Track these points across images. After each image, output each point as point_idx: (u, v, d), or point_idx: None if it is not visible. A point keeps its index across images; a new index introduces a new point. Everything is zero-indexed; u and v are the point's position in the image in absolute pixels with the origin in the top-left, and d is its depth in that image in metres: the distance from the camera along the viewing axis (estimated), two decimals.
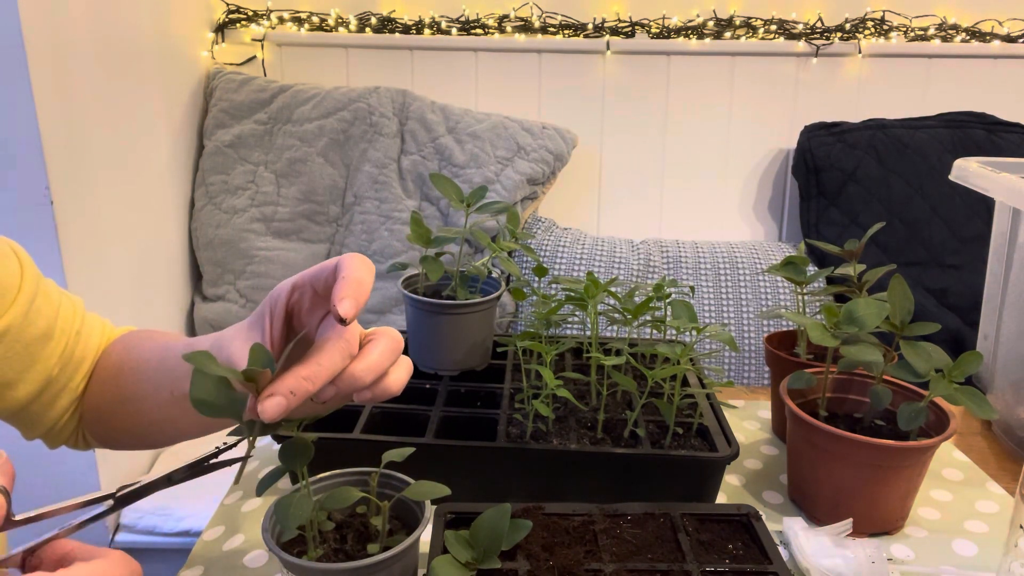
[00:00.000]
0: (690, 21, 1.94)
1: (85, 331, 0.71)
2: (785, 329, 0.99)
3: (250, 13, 1.94)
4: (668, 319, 0.84)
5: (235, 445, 0.55)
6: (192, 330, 1.78)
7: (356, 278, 0.49)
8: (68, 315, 0.69)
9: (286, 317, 0.53)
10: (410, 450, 0.60)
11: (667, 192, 2.06)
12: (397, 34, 1.94)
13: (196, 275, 1.83)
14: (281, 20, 1.94)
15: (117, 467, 1.44)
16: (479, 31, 1.94)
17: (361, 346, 0.51)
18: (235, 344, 0.52)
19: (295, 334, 0.54)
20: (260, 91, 1.85)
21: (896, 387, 0.79)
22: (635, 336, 0.96)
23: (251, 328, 0.53)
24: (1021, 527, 0.61)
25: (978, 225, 1.83)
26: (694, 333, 0.78)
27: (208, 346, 0.55)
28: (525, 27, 1.94)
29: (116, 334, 0.75)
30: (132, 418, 0.69)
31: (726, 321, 1.73)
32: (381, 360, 0.50)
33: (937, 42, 1.95)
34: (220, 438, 0.59)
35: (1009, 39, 1.96)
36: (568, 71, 1.97)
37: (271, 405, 0.45)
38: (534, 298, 0.86)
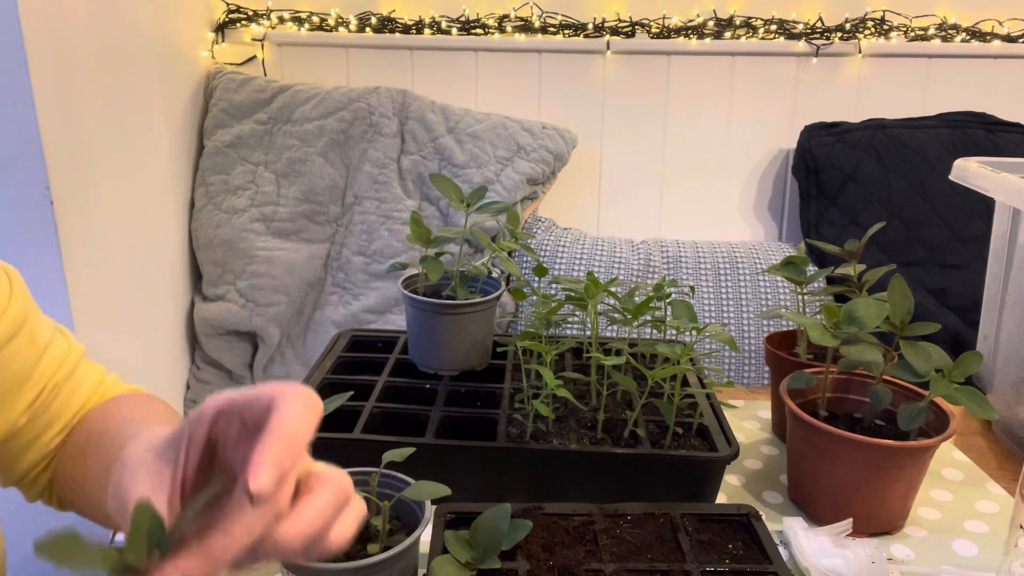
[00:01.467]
0: (690, 21, 1.94)
1: (70, 385, 0.63)
2: (785, 329, 0.99)
3: (250, 13, 1.94)
4: (668, 319, 0.84)
5: None
6: (192, 330, 1.78)
7: (287, 434, 0.38)
8: (51, 364, 0.61)
9: (208, 446, 0.42)
10: (410, 450, 0.60)
11: (667, 192, 2.06)
12: (397, 34, 1.94)
13: (196, 275, 1.83)
14: (281, 20, 1.94)
15: None
16: (479, 31, 1.94)
17: (297, 488, 0.41)
18: (138, 486, 0.40)
19: (221, 467, 0.43)
20: (260, 91, 1.85)
21: (896, 387, 0.79)
22: (635, 336, 0.96)
23: (161, 459, 0.41)
24: (1021, 527, 0.61)
25: (978, 225, 1.83)
26: (694, 333, 0.78)
27: (117, 463, 0.44)
28: (525, 27, 1.94)
29: (112, 393, 0.66)
30: (97, 496, 0.59)
31: (726, 321, 1.73)
32: (317, 519, 0.40)
33: (937, 42, 1.95)
34: None
35: (1009, 39, 1.96)
36: (568, 71, 1.97)
37: (264, 479, 0.36)
38: (534, 298, 0.86)
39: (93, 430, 0.62)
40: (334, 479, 0.42)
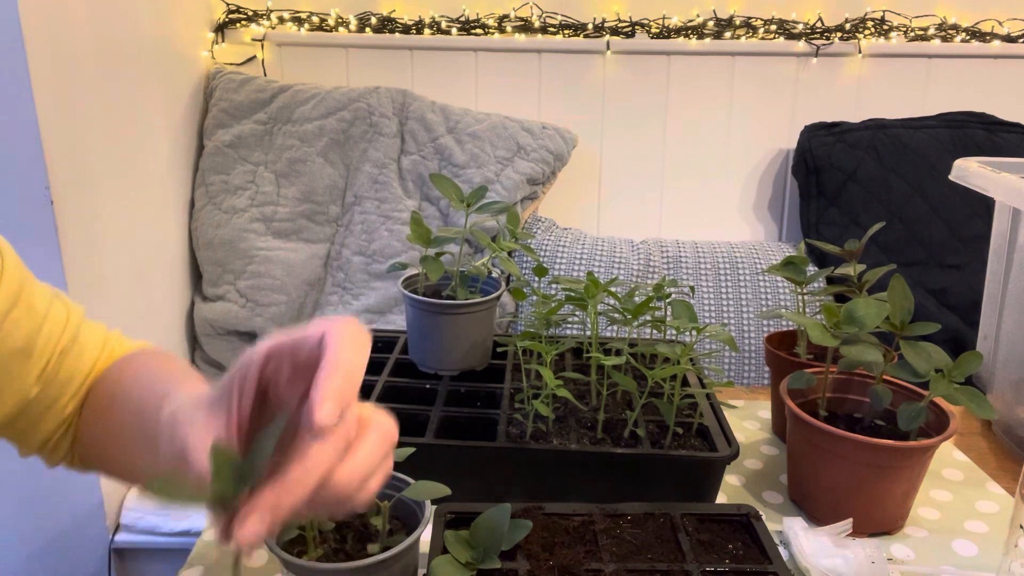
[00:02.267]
0: (690, 21, 1.94)
1: (76, 349, 0.63)
2: (785, 329, 0.99)
3: (250, 13, 1.94)
4: (668, 319, 0.84)
5: None
6: (192, 330, 1.78)
7: (344, 368, 0.39)
8: (54, 331, 0.61)
9: (259, 391, 0.43)
10: (410, 450, 0.60)
11: (667, 192, 2.06)
12: (397, 34, 1.94)
13: (196, 275, 1.83)
14: (281, 20, 1.94)
15: None
16: (479, 31, 1.94)
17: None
18: (193, 430, 0.41)
19: (271, 409, 0.44)
20: (260, 91, 1.85)
21: (896, 387, 0.79)
22: (635, 336, 0.96)
23: (214, 407, 0.42)
24: (1021, 527, 0.61)
25: (978, 225, 1.83)
26: (694, 333, 0.78)
27: (165, 417, 0.45)
28: (525, 27, 1.94)
29: (120, 352, 0.66)
30: (121, 456, 0.61)
31: (726, 321, 1.73)
32: (371, 461, 0.41)
33: (937, 42, 1.95)
34: None
35: (1009, 39, 1.96)
36: (568, 71, 1.97)
37: (248, 532, 0.36)
38: (534, 298, 0.86)
39: (116, 392, 0.61)
40: (383, 424, 0.43)
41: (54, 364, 0.61)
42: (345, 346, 0.40)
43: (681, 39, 1.94)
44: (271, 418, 0.42)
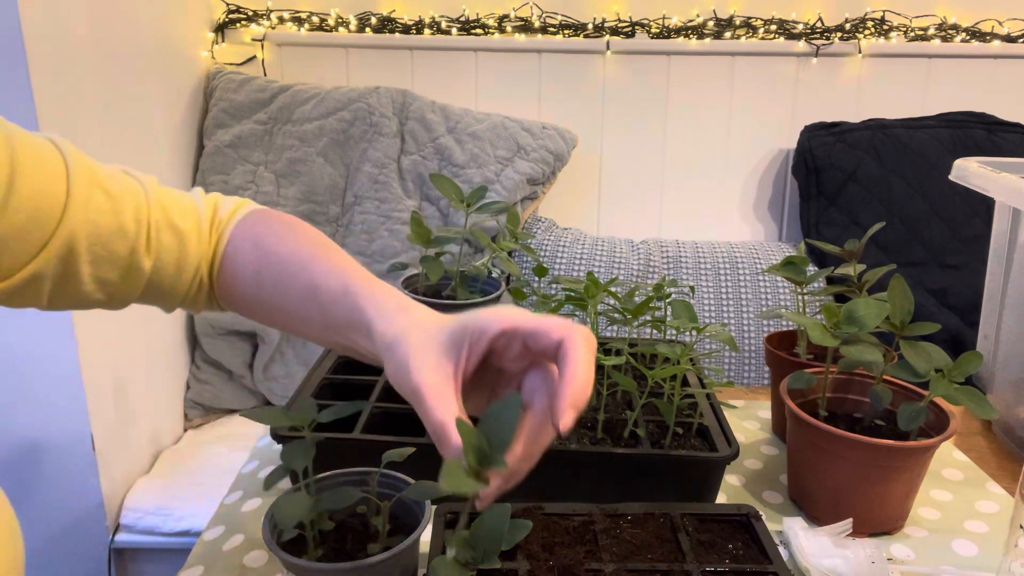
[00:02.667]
0: (690, 21, 1.94)
1: (166, 218, 0.63)
2: (785, 329, 0.99)
3: (250, 13, 1.94)
4: (668, 319, 0.84)
5: None
6: (192, 330, 1.78)
7: (582, 381, 0.46)
8: (140, 205, 0.62)
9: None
10: (410, 450, 0.60)
11: (667, 192, 2.06)
12: (397, 34, 1.94)
13: None
14: (281, 20, 1.94)
15: (118, 467, 1.44)
16: (479, 31, 1.94)
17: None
18: (427, 376, 0.48)
19: (490, 370, 0.52)
20: (260, 91, 1.85)
21: (896, 387, 0.79)
22: (635, 336, 0.96)
23: (444, 355, 0.49)
24: (1021, 527, 0.61)
25: (978, 225, 1.83)
26: (694, 333, 0.78)
27: (373, 316, 0.53)
28: (525, 27, 1.94)
29: (227, 211, 0.67)
30: (274, 316, 0.65)
31: (726, 321, 1.73)
32: (587, 382, 0.47)
33: (937, 42, 1.95)
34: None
35: (1009, 39, 1.96)
36: (568, 71, 1.97)
37: (569, 420, 0.45)
38: (534, 298, 0.86)
39: (263, 267, 0.63)
40: (588, 338, 0.48)
41: (154, 234, 0.62)
42: (583, 361, 0.46)
43: (681, 39, 1.94)
44: (485, 378, 0.51)
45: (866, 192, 1.85)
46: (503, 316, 0.49)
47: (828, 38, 1.94)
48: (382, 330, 0.52)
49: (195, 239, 0.65)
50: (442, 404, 0.47)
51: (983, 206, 1.83)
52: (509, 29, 1.94)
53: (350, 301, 0.56)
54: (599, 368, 0.85)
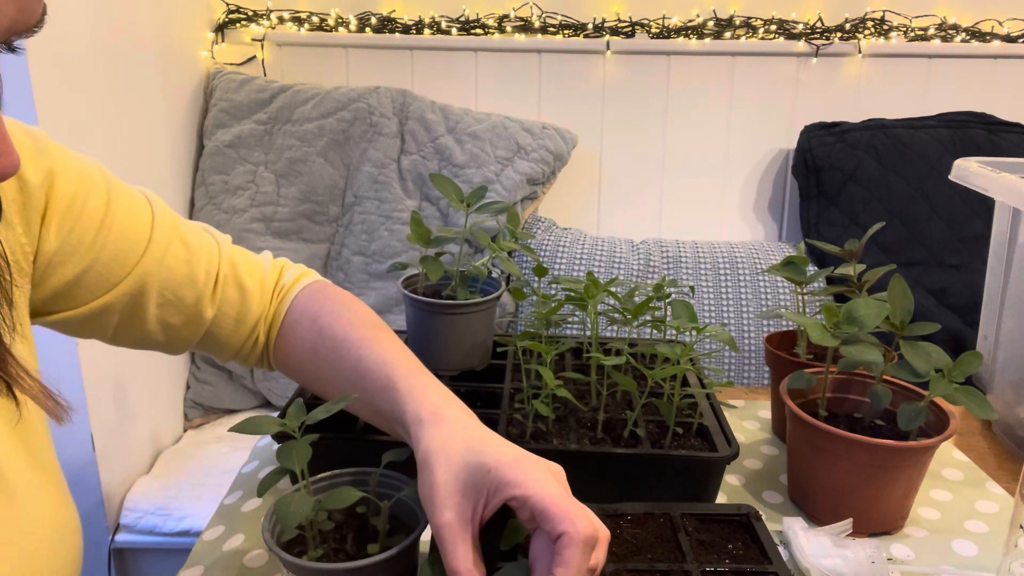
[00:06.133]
0: (690, 21, 1.94)
1: (233, 274, 0.69)
2: (785, 329, 0.99)
3: (250, 13, 1.94)
4: (668, 319, 0.84)
5: None
6: None
7: (573, 571, 0.48)
8: (212, 259, 0.68)
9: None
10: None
11: (667, 192, 2.06)
12: (397, 34, 1.94)
13: None
14: (281, 20, 1.94)
15: (118, 467, 1.44)
16: (479, 31, 1.94)
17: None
18: (447, 514, 0.51)
19: (503, 512, 0.54)
20: (260, 91, 1.85)
21: (896, 387, 0.79)
22: (635, 336, 0.96)
23: (464, 494, 0.52)
24: (1021, 527, 0.61)
25: (978, 225, 1.83)
26: (694, 333, 0.78)
27: (410, 421, 0.57)
28: (525, 27, 1.94)
29: (289, 280, 0.72)
30: (327, 391, 0.68)
31: (726, 321, 1.73)
32: None
33: (937, 42, 1.95)
34: None
35: (1009, 39, 1.96)
36: (568, 71, 1.97)
37: None
38: (534, 298, 0.86)
39: (319, 345, 0.67)
40: (589, 540, 0.49)
41: (220, 287, 0.67)
42: (574, 565, 0.48)
43: (681, 39, 1.94)
44: (498, 518, 0.53)
45: (866, 192, 1.85)
46: (520, 481, 0.50)
47: (828, 38, 1.94)
48: (414, 444, 0.56)
49: (257, 298, 0.70)
50: (460, 551, 0.50)
51: (983, 206, 1.83)
52: (509, 29, 1.94)
53: (391, 395, 0.60)
54: (599, 368, 0.85)
